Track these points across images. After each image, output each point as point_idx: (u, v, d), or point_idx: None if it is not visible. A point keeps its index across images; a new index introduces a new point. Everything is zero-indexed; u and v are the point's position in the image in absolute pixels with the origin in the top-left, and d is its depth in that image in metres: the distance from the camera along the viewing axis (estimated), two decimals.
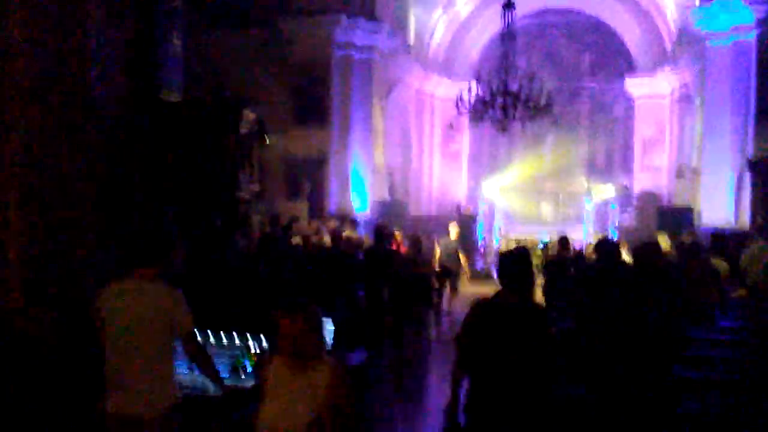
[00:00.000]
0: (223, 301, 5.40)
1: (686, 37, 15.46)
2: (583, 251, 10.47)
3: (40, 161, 5.21)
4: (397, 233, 9.44)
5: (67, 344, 4.93)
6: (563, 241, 8.99)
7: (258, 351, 4.68)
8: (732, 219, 12.60)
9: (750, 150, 12.55)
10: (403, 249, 9.51)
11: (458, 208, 15.93)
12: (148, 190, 6.75)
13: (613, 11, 20.56)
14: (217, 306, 5.12)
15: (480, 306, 3.56)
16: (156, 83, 7.24)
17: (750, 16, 12.49)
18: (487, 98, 10.66)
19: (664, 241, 10.13)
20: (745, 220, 12.26)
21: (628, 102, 20.91)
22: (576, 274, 8.00)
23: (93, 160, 5.76)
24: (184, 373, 4.32)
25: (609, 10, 20.59)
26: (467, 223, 14.78)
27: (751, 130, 12.55)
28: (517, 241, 15.04)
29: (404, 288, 8.02)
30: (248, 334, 4.76)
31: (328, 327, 5.02)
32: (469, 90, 11.19)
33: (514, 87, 10.61)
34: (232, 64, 13.11)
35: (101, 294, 3.70)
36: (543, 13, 20.77)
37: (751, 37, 12.65)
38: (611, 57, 21.30)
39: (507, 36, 11.33)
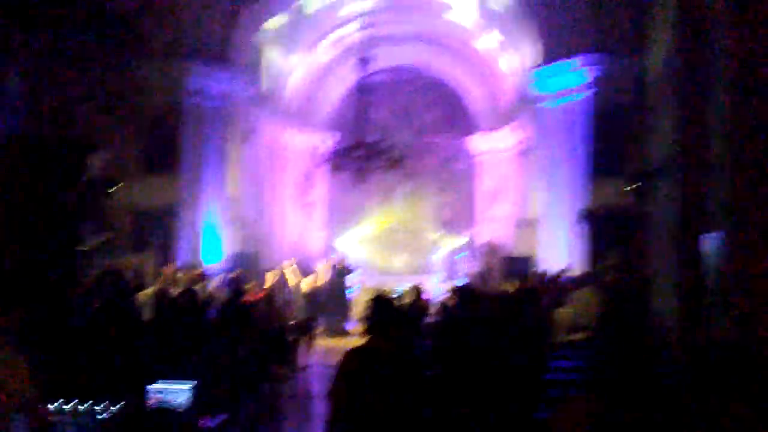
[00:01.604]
0: (64, 366, 4.89)
1: (524, 97, 16.73)
2: (443, 299, 10.82)
3: None
4: (251, 285, 9.14)
5: None
6: (416, 290, 9.20)
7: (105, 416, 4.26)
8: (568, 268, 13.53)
9: (584, 203, 13.63)
10: (259, 295, 9.21)
11: (328, 261, 15.62)
12: None
13: (457, 73, 21.90)
14: (59, 371, 4.62)
15: (352, 356, 3.47)
16: None
17: (583, 78, 13.76)
18: (345, 149, 10.81)
19: (513, 287, 10.70)
20: (581, 268, 13.22)
21: (472, 158, 22.13)
22: (440, 319, 8.16)
23: None
24: None
25: (454, 71, 21.90)
26: (341, 276, 14.64)
27: (583, 184, 13.66)
28: (374, 291, 15.16)
29: (260, 343, 7.74)
30: (92, 401, 4.32)
31: (186, 388, 4.69)
32: (326, 141, 11.29)
33: (370, 139, 10.87)
34: (78, 105, 12.30)
35: None
36: (396, 69, 21.64)
37: (581, 97, 13.92)
38: (456, 115, 22.52)
39: (363, 90, 11.61)
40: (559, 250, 13.64)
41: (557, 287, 10.99)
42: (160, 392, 4.64)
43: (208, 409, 5.50)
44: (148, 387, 4.63)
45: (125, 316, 7.41)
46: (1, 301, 3.71)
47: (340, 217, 22.10)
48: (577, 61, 13.83)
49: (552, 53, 14.41)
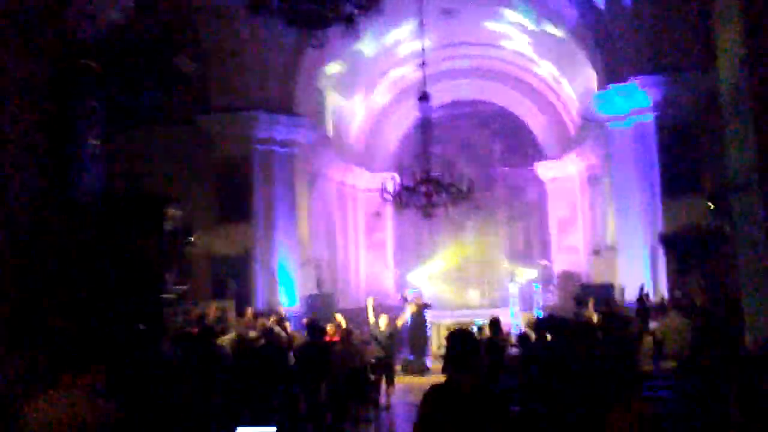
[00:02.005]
0: (151, 413, 5.03)
1: (588, 121, 16.45)
2: (523, 331, 10.61)
3: None
4: (329, 326, 9.21)
5: None
6: (494, 323, 9.01)
7: None
8: (651, 292, 13.04)
9: (660, 225, 13.18)
10: (336, 338, 9.26)
11: (404, 298, 15.51)
12: (62, 293, 6.37)
13: (518, 103, 21.82)
14: (148, 418, 4.77)
15: (433, 394, 3.42)
16: (71, 183, 6.99)
17: (646, 99, 13.45)
18: (411, 186, 10.89)
19: (595, 316, 10.41)
20: (663, 292, 12.73)
21: (541, 186, 21.86)
22: (522, 352, 7.98)
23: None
24: None
25: (514, 101, 21.84)
26: (420, 312, 14.52)
27: (658, 206, 13.23)
28: (448, 328, 15.02)
29: (341, 384, 7.76)
30: None
31: None
32: (393, 178, 11.42)
33: (435, 174, 10.91)
34: (153, 162, 12.90)
35: (31, 404, 3.40)
36: (454, 104, 21.77)
37: (649, 118, 13.57)
38: (521, 144, 22.37)
39: (425, 126, 11.73)
40: (640, 276, 13.17)
41: (643, 314, 10.60)
42: None
43: None
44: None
45: (210, 360, 7.61)
46: (88, 357, 3.84)
47: (410, 254, 22.14)
48: (635, 83, 13.52)
49: (612, 77, 14.18)
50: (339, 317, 10.51)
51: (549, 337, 7.44)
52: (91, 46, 7.34)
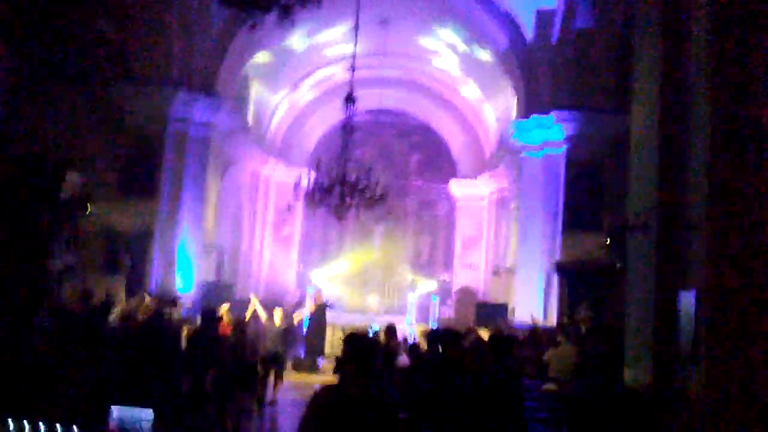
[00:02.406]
0: (24, 388, 4.73)
1: (504, 147, 16.95)
2: (415, 341, 10.72)
3: None
4: (223, 314, 8.98)
5: None
6: (390, 330, 9.07)
7: None
8: (541, 316, 13.57)
9: (558, 254, 13.74)
10: (229, 329, 9.05)
11: (305, 295, 15.25)
12: None
13: (440, 119, 22.21)
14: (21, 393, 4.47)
15: (324, 394, 3.36)
16: None
17: (560, 133, 13.99)
18: (326, 185, 10.83)
19: (485, 334, 10.64)
20: (553, 317, 13.27)
21: (451, 202, 22.31)
22: (412, 362, 8.06)
23: None
24: None
25: (436, 117, 22.22)
26: (322, 311, 14.29)
27: (559, 236, 13.80)
28: (344, 330, 15.00)
29: (228, 375, 7.58)
30: (58, 425, 4.17)
31: (147, 414, 4.55)
32: (308, 175, 11.32)
33: (352, 177, 10.91)
34: (57, 126, 12.18)
35: None
36: (379, 111, 21.88)
37: (560, 151, 14.13)
38: (437, 159, 22.77)
39: (347, 128, 11.72)
40: (534, 299, 13.69)
41: (533, 337, 10.97)
42: (122, 417, 4.50)
43: None
44: (110, 410, 4.49)
45: (92, 337, 7.25)
46: None
47: (316, 252, 22.04)
48: (552, 116, 14.04)
49: (531, 106, 14.67)
50: (254, 300, 10.32)
51: (440, 349, 7.56)
52: None
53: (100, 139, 13.63)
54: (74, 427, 4.28)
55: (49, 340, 6.88)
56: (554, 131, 14.14)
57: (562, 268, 13.28)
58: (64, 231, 6.90)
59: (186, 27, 14.13)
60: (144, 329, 7.95)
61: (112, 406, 4.52)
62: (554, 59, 14.15)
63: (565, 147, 14.08)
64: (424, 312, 18.70)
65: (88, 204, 7.73)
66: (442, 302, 20.02)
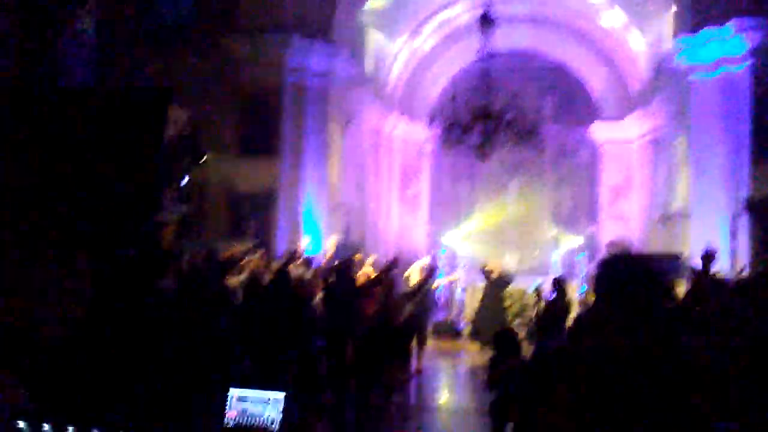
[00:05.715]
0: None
1: (662, 75, 14.58)
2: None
3: None
4: (362, 274, 7.71)
5: None
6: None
7: None
8: (727, 267, 11.36)
9: (745, 191, 11.44)
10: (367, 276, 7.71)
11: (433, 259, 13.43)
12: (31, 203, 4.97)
13: (576, 56, 19.86)
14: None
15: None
16: (49, 72, 5.53)
17: (741, 45, 11.57)
18: (468, 121, 9.20)
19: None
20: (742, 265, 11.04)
21: (593, 148, 20.03)
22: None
23: None
24: None
25: (572, 54, 19.88)
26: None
27: (746, 168, 11.46)
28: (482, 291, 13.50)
29: (374, 344, 6.27)
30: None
31: (277, 399, 3.26)
32: (441, 113, 9.77)
33: (496, 107, 9.22)
34: (168, 79, 11.42)
35: None
36: (508, 54, 19.78)
37: (742, 68, 11.74)
38: (574, 102, 20.46)
39: (485, 57, 10.00)
40: (716, 246, 11.45)
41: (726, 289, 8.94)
42: (244, 401, 3.24)
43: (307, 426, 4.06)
44: (230, 393, 3.24)
45: (215, 303, 6.19)
46: None
47: (446, 212, 20.51)
48: (731, 26, 11.65)
49: (700, 18, 12.27)
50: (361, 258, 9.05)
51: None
52: None
53: (215, 98, 12.81)
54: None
55: (166, 310, 5.87)
56: (733, 44, 11.74)
57: (753, 206, 11.00)
58: (171, 176, 5.79)
59: None
60: (269, 292, 6.80)
61: (232, 389, 3.27)
62: None
63: (748, 62, 11.64)
64: (570, 271, 16.81)
65: (200, 150, 6.68)
66: (589, 258, 17.97)
